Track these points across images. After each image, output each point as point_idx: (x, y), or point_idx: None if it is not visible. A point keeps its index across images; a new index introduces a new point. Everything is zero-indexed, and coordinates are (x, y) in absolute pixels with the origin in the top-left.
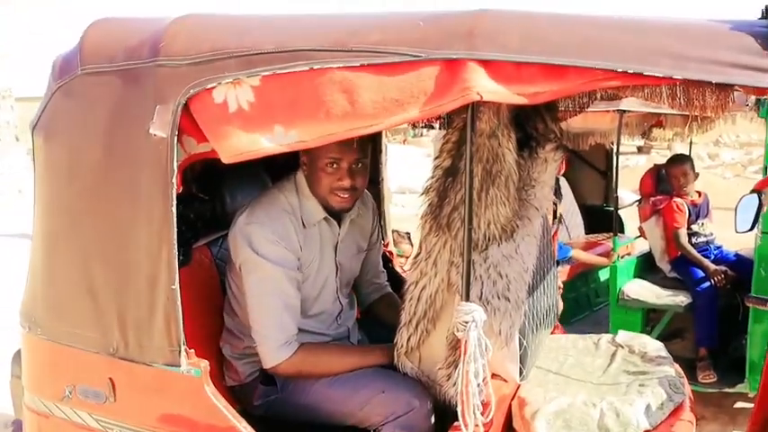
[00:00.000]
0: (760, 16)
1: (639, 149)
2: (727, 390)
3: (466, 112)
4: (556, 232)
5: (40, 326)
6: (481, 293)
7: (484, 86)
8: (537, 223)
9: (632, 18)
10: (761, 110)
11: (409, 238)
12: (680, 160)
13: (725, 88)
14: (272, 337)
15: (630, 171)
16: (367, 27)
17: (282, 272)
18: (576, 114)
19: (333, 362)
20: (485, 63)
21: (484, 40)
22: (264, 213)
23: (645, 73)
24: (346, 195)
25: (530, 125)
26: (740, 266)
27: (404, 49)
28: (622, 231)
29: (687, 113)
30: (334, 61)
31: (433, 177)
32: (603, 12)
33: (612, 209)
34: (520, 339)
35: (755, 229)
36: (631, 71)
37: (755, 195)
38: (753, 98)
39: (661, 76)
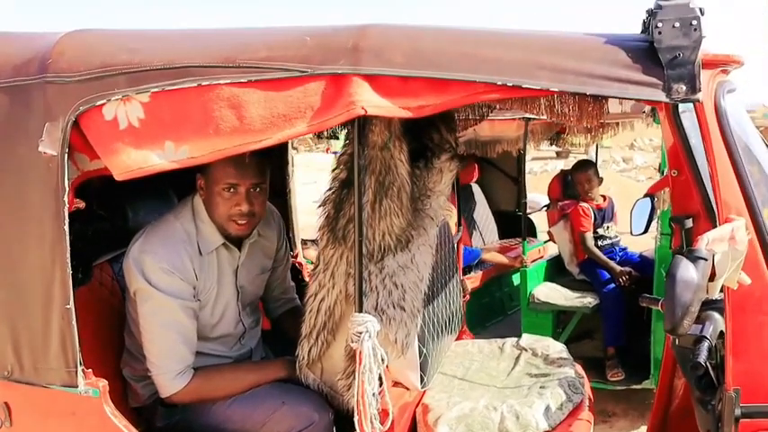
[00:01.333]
0: (641, 30)
1: (558, 154)
2: (635, 386)
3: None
4: (461, 240)
5: None
6: (377, 303)
7: (369, 101)
8: (432, 233)
9: (511, 33)
10: (655, 117)
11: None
12: (583, 167)
13: (599, 99)
14: (166, 368)
15: (549, 176)
16: (255, 43)
17: (176, 302)
18: (477, 123)
19: (230, 384)
20: (369, 78)
21: (368, 55)
22: (158, 242)
23: (523, 86)
24: (244, 222)
25: (425, 136)
26: (644, 267)
27: (291, 64)
28: (534, 236)
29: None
30: (222, 77)
31: (330, 189)
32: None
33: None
34: (419, 347)
35: (653, 230)
36: (510, 84)
37: (648, 199)
38: (648, 107)
39: (538, 88)
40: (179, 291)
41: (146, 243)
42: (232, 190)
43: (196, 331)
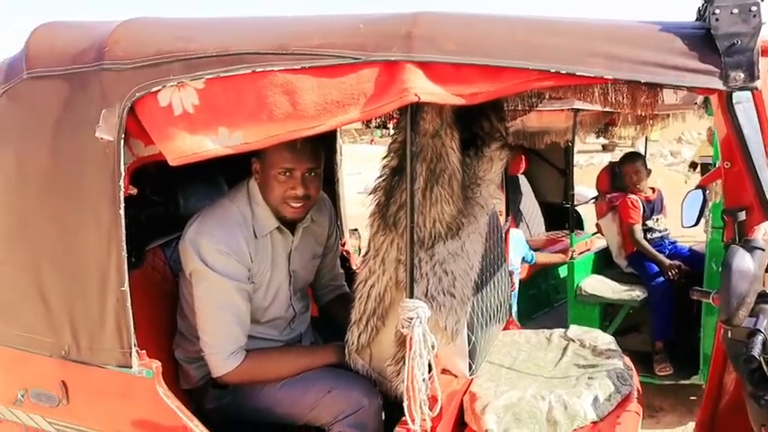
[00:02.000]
0: (696, 17)
1: (604, 147)
2: (683, 382)
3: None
4: (508, 231)
5: None
6: (427, 290)
7: (422, 87)
8: (482, 221)
9: (566, 20)
10: (708, 108)
11: (358, 233)
12: (631, 158)
13: (653, 87)
14: (220, 348)
15: (595, 169)
16: (308, 30)
17: (232, 284)
18: (525, 114)
19: (281, 367)
20: (422, 65)
21: (422, 43)
22: (215, 224)
23: (577, 73)
24: (299, 205)
25: (475, 124)
26: (694, 261)
27: (344, 51)
28: (581, 228)
29: (634, 113)
30: (276, 64)
31: (380, 177)
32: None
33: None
34: (468, 335)
35: (704, 224)
36: (564, 72)
37: (700, 191)
38: (700, 97)
39: (592, 76)
40: (234, 272)
41: (202, 225)
42: (288, 174)
43: (249, 313)
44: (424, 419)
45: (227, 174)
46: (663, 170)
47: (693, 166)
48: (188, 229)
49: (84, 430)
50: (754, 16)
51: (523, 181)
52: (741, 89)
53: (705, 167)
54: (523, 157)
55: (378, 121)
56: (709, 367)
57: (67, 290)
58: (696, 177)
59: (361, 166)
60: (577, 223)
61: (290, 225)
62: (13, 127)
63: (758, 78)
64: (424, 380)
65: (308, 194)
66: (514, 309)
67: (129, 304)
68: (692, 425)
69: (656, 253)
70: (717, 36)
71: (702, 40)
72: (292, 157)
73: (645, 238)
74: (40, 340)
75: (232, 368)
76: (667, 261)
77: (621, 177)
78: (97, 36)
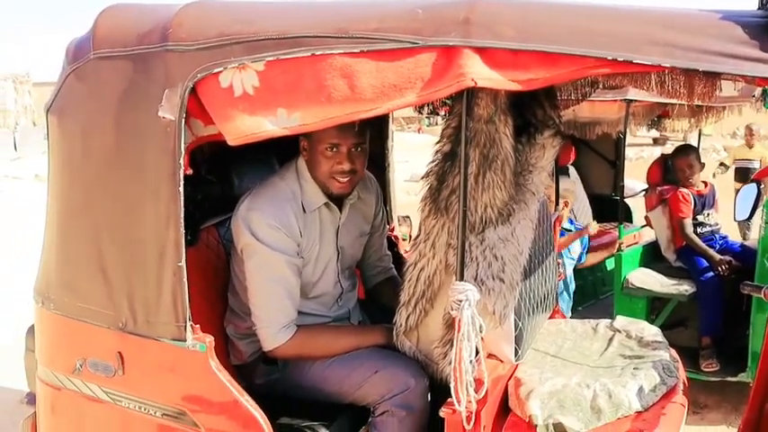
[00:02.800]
0: (758, 6)
1: (655, 141)
2: (729, 379)
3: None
4: (558, 219)
5: (53, 301)
6: (476, 274)
7: (479, 73)
8: (533, 208)
9: (623, 7)
10: (766, 101)
11: (410, 221)
12: (685, 151)
13: (712, 76)
14: (272, 322)
15: (645, 162)
16: (366, 15)
17: (282, 258)
18: (578, 103)
19: (331, 344)
20: (480, 50)
21: (479, 28)
22: (265, 200)
23: (634, 61)
24: (345, 180)
25: (528, 112)
26: (745, 257)
27: (402, 36)
28: (630, 220)
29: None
30: (334, 47)
31: (433, 162)
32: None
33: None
34: (515, 321)
35: (758, 218)
36: (621, 59)
37: (754, 185)
38: (759, 89)
39: (649, 63)
40: (285, 246)
41: (253, 201)
42: (334, 149)
43: (299, 287)
44: (470, 401)
45: (280, 155)
46: (715, 165)
47: (722, 165)
48: (240, 205)
49: (138, 400)
50: None
51: (572, 171)
52: None
53: (741, 173)
54: (573, 147)
55: (429, 108)
56: (757, 365)
57: (126, 264)
58: (722, 178)
59: (408, 154)
60: (626, 215)
61: (337, 201)
62: (81, 105)
63: None
64: (471, 362)
65: (354, 169)
66: (567, 300)
67: (185, 279)
68: (737, 423)
69: (706, 248)
70: None
71: (763, 29)
72: (338, 133)
73: (695, 232)
74: (98, 312)
75: (283, 342)
76: (717, 256)
77: (674, 170)
78: (161, 18)
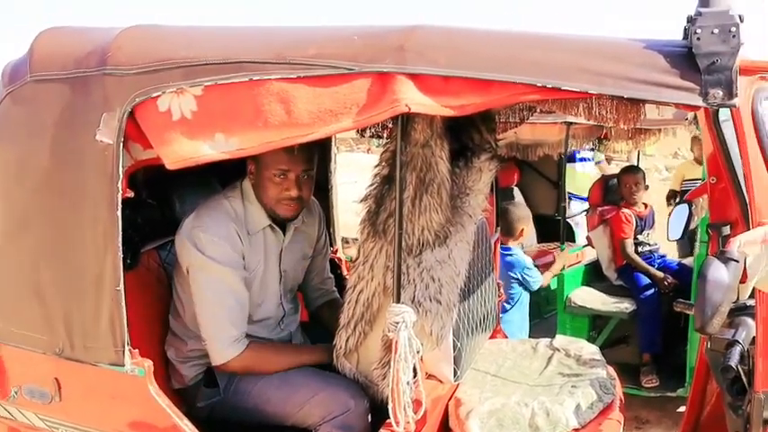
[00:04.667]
0: (682, 36)
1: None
2: (669, 394)
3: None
4: (497, 242)
5: None
6: (414, 296)
7: (412, 99)
8: (470, 230)
9: (553, 35)
10: (698, 123)
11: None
12: (633, 170)
13: (636, 102)
14: (222, 336)
15: (590, 181)
16: (304, 41)
17: (230, 271)
18: (517, 126)
19: (279, 359)
20: (413, 76)
21: (413, 55)
22: (209, 218)
23: (562, 87)
24: (293, 205)
25: (465, 136)
26: (683, 275)
27: (338, 62)
28: (573, 240)
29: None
30: (272, 73)
31: (372, 185)
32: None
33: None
34: (454, 341)
35: (687, 237)
36: (550, 86)
37: (686, 205)
38: (691, 113)
39: (577, 90)
40: (231, 260)
41: (197, 219)
42: (283, 176)
43: (248, 300)
44: (408, 422)
45: (221, 178)
46: (658, 185)
47: (673, 196)
48: (183, 223)
49: (76, 427)
50: (734, 36)
51: (517, 193)
52: (720, 106)
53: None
54: (517, 169)
55: (372, 130)
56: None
57: (63, 288)
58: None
59: (358, 174)
60: (569, 236)
61: (281, 224)
62: (16, 128)
63: (736, 96)
64: (408, 383)
65: (301, 196)
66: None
67: (123, 304)
68: None
69: (649, 267)
70: (698, 55)
71: (684, 58)
72: (288, 159)
73: (635, 252)
74: (34, 337)
75: (235, 354)
76: (660, 274)
77: (619, 187)
78: (100, 42)
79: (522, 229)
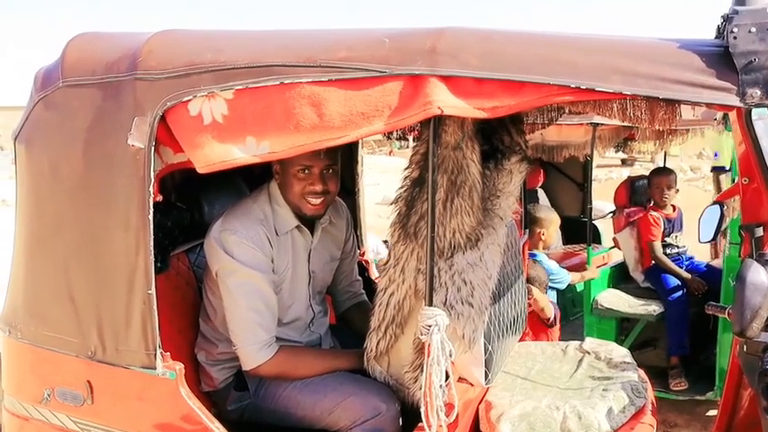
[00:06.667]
0: (715, 35)
1: (623, 162)
2: (698, 397)
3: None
4: (525, 244)
5: (20, 330)
6: (446, 299)
7: (445, 101)
8: (501, 232)
9: (586, 36)
10: (727, 124)
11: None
12: (666, 171)
13: (671, 103)
14: (253, 339)
15: (614, 183)
16: (335, 44)
17: (259, 275)
18: (545, 127)
19: (310, 364)
20: (446, 79)
21: (445, 57)
22: (238, 222)
23: (596, 89)
24: (318, 201)
25: (496, 138)
26: (712, 277)
27: (370, 65)
28: (599, 242)
29: (652, 128)
30: (303, 76)
31: (402, 187)
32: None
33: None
34: (485, 344)
35: (721, 238)
36: (584, 87)
37: (717, 206)
38: (719, 113)
39: (611, 91)
40: (260, 263)
41: (226, 223)
42: (306, 171)
43: (277, 304)
44: (441, 426)
45: (250, 180)
46: (683, 185)
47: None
48: (212, 228)
49: (108, 430)
50: None
51: (542, 194)
52: (757, 106)
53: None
54: (542, 170)
55: (398, 133)
56: (724, 383)
57: (96, 292)
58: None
59: (380, 176)
60: (595, 237)
61: (309, 225)
62: (49, 133)
63: None
64: (441, 387)
65: (326, 190)
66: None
67: (155, 307)
68: None
69: (679, 269)
70: (734, 54)
71: (720, 57)
72: (310, 155)
73: (663, 254)
74: (67, 340)
75: (266, 359)
76: (690, 276)
77: (651, 189)
78: (131, 47)
79: (541, 232)
